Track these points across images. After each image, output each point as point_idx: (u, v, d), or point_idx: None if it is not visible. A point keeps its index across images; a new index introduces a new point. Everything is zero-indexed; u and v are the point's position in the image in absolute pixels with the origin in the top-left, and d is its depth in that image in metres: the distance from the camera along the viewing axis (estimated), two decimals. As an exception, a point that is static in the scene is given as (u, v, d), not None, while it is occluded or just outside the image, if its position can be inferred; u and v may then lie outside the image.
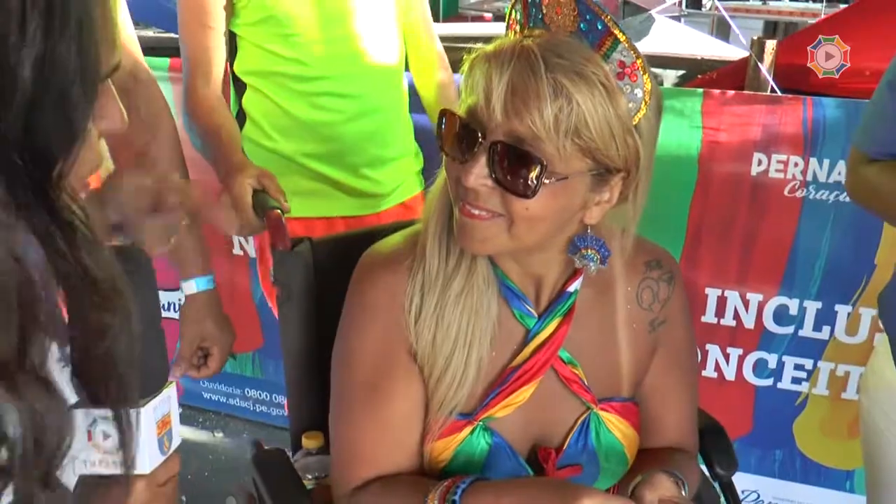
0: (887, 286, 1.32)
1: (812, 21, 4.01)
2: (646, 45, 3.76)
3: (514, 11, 0.96)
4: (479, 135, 0.90)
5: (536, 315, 1.03)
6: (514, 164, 0.88)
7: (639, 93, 0.89)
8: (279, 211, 1.32)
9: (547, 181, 0.88)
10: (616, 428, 1.07)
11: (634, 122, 0.91)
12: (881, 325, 1.33)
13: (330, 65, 1.63)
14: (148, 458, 0.70)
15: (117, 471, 0.69)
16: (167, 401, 0.72)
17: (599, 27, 0.88)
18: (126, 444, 0.56)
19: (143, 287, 0.70)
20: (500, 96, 0.87)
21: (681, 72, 2.83)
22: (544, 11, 0.92)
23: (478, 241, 0.94)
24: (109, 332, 0.52)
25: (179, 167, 1.31)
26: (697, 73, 2.58)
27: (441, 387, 1.00)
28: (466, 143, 0.91)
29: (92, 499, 0.71)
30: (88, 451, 0.69)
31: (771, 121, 1.99)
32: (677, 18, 7.03)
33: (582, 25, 0.90)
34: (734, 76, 2.34)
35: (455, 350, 0.99)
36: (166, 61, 2.35)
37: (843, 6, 2.81)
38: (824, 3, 7.66)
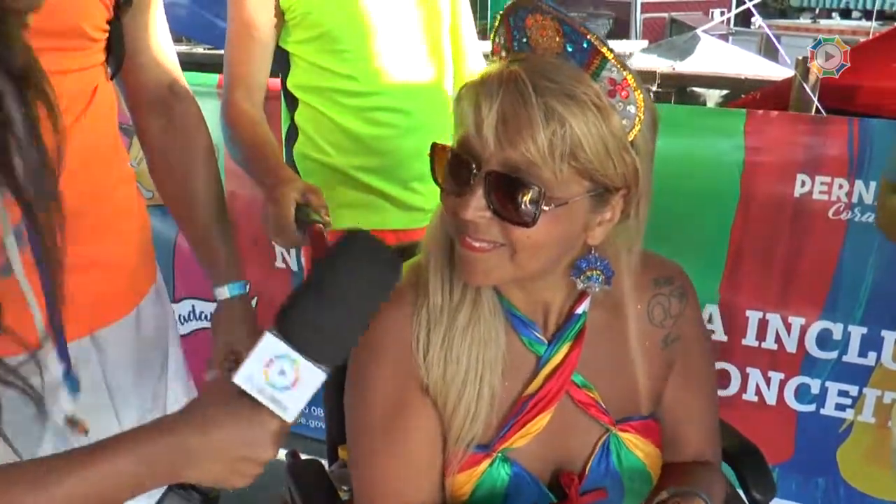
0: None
1: (863, 39, 3.94)
2: (690, 65, 3.74)
3: (497, 37, 0.94)
4: (474, 166, 0.88)
5: (546, 341, 1.01)
6: (512, 193, 0.86)
7: (632, 109, 0.88)
8: (321, 225, 1.34)
9: (546, 208, 0.86)
10: (636, 447, 1.06)
11: (630, 139, 0.89)
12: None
13: (381, 80, 1.64)
14: (296, 409, 0.75)
15: (267, 405, 0.74)
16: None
17: (586, 46, 0.86)
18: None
19: None
20: (492, 126, 0.85)
21: (724, 91, 2.81)
22: (528, 35, 0.90)
23: (481, 273, 0.92)
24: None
25: (214, 179, 1.33)
26: (741, 92, 2.56)
27: (456, 420, 0.99)
28: (461, 176, 0.90)
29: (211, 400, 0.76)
30: (258, 374, 0.72)
31: (815, 142, 1.97)
32: (725, 37, 6.98)
33: (568, 46, 0.88)
34: (778, 96, 2.32)
35: (466, 383, 0.98)
36: (215, 77, 2.41)
37: (896, 24, 2.75)
38: (876, 21, 7.52)
